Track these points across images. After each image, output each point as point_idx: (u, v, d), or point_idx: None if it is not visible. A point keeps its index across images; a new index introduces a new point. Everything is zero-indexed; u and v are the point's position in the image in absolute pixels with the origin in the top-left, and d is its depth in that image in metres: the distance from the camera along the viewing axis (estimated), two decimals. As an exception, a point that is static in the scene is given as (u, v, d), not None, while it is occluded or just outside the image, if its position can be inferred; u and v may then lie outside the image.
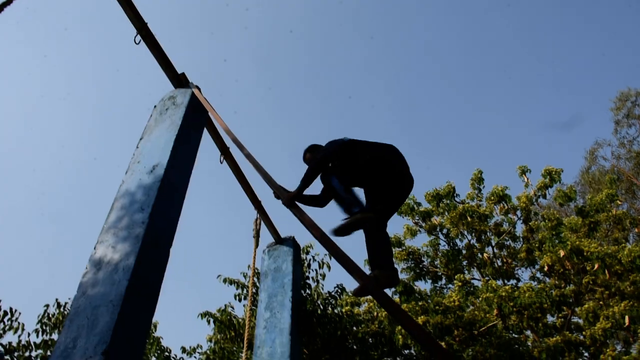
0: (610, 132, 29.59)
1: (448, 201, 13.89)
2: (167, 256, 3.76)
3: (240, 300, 9.77)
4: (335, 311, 9.31)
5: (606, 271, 10.97)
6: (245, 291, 9.64)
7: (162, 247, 3.72)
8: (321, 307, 8.73)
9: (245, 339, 5.81)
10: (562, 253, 11.04)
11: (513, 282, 13.15)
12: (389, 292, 11.92)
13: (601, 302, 11.48)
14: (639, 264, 10.64)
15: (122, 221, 3.63)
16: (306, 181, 4.07)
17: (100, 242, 3.56)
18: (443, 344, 10.40)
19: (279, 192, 4.03)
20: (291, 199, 3.87)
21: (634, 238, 18.69)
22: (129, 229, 3.55)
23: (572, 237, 11.78)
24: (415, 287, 12.60)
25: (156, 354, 10.28)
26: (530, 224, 13.45)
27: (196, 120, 4.77)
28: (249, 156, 4.45)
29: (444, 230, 14.11)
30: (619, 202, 14.93)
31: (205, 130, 5.17)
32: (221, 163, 5.83)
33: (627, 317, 10.19)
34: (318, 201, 4.56)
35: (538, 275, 13.64)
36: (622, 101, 26.32)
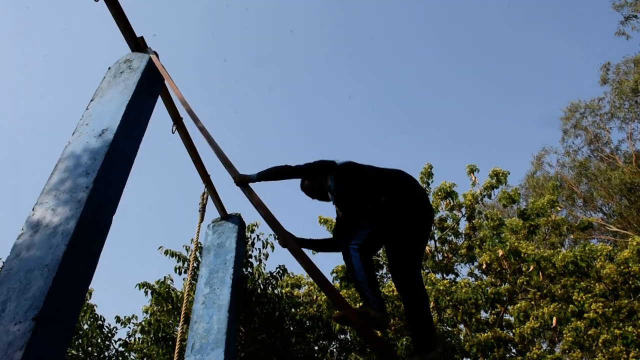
0: (558, 140, 30.69)
1: (397, 192, 14.02)
2: (109, 223, 3.65)
3: (180, 273, 9.64)
4: (275, 292, 9.31)
5: (540, 273, 11.40)
6: (186, 265, 9.52)
7: (105, 213, 3.61)
8: (261, 286, 8.71)
9: (182, 312, 5.73)
10: (500, 252, 11.38)
11: (452, 276, 13.47)
12: (329, 277, 12.03)
13: (532, 303, 11.95)
14: (570, 268, 11.09)
15: (64, 184, 3.50)
16: (269, 174, 3.78)
17: (40, 203, 3.42)
18: (378, 332, 10.59)
19: (230, 169, 3.95)
20: (243, 181, 3.72)
21: (569, 244, 19.49)
22: (71, 192, 3.42)
23: (511, 238, 12.15)
24: (356, 274, 12.73)
25: (89, 322, 10.05)
26: (473, 221, 13.78)
27: (151, 86, 4.63)
28: (202, 129, 4.36)
29: (390, 221, 14.24)
30: (559, 209, 15.48)
31: (159, 98, 5.03)
32: (173, 133, 5.69)
33: (554, 318, 10.64)
34: (322, 246, 3.98)
35: (476, 272, 14.03)
36: (571, 111, 27.25)
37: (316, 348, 10.81)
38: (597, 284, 11.40)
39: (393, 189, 3.38)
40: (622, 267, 11.24)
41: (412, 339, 3.13)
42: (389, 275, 13.91)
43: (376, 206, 3.30)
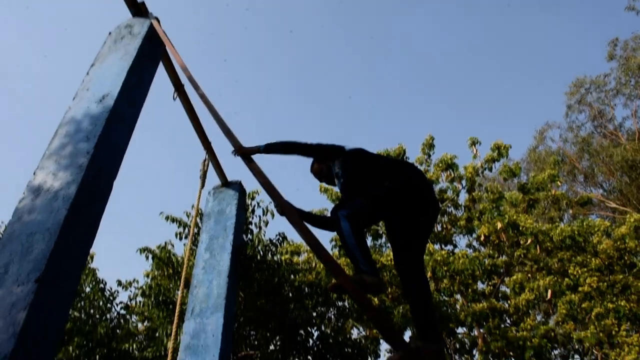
0: (562, 115, 30.58)
1: (397, 163, 14.06)
2: (110, 188, 3.69)
3: (181, 239, 9.74)
4: (275, 258, 9.41)
5: (538, 247, 11.51)
6: (186, 230, 9.60)
7: (106, 179, 3.65)
8: (261, 253, 8.81)
9: (182, 277, 5.82)
10: (499, 225, 11.46)
11: (450, 247, 13.60)
12: (328, 245, 12.15)
13: (529, 275, 12.08)
14: (568, 243, 11.19)
15: (65, 149, 3.53)
16: (278, 147, 3.70)
17: (41, 168, 3.46)
18: (375, 299, 10.75)
19: (230, 137, 3.96)
20: (244, 154, 3.69)
21: (568, 219, 19.59)
22: (72, 157, 3.46)
23: (510, 211, 12.23)
24: (355, 243, 12.87)
25: (91, 285, 10.20)
26: (473, 194, 13.84)
27: (152, 52, 4.62)
28: (203, 96, 4.38)
29: (390, 191, 14.29)
30: (559, 184, 15.51)
31: (160, 64, 5.02)
32: (174, 100, 5.69)
33: (550, 291, 10.78)
34: (320, 223, 3.90)
35: (474, 243, 14.15)
36: (577, 87, 27.03)
37: (314, 314, 10.98)
38: (593, 259, 11.51)
39: (398, 176, 3.35)
40: (618, 242, 11.34)
41: (414, 325, 3.15)
42: (387, 245, 14.04)
43: (378, 191, 3.28)
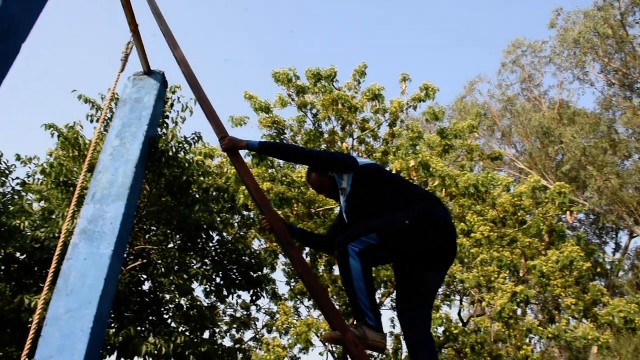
0: (495, 71, 31.32)
1: (326, 84, 14.03)
2: (16, 50, 3.39)
3: (92, 122, 9.29)
4: (187, 157, 9.22)
5: (443, 190, 12.00)
6: (99, 114, 9.16)
7: (13, 38, 3.34)
8: (174, 149, 8.55)
9: (87, 160, 5.59)
10: (412, 163, 11.80)
11: (361, 177, 13.89)
12: (242, 152, 12.05)
13: (429, 215, 12.63)
14: (471, 191, 11.75)
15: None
16: (275, 147, 3.35)
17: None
18: (280, 212, 10.92)
19: (159, 18, 3.73)
20: (233, 146, 3.41)
21: (478, 170, 20.54)
22: (-25, 7, 3.13)
23: (425, 153, 12.59)
24: (268, 154, 12.90)
25: (-16, 155, 9.62)
26: (394, 129, 14.10)
27: None
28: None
29: (314, 110, 14.36)
30: (477, 135, 16.07)
31: None
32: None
33: (445, 232, 11.39)
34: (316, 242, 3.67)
35: (385, 176, 14.55)
36: (515, 47, 27.67)
37: (218, 219, 11.02)
38: (490, 210, 12.22)
39: (421, 205, 2.91)
40: (515, 199, 12.06)
41: None
42: (290, 163, 14.17)
43: (396, 223, 2.84)
